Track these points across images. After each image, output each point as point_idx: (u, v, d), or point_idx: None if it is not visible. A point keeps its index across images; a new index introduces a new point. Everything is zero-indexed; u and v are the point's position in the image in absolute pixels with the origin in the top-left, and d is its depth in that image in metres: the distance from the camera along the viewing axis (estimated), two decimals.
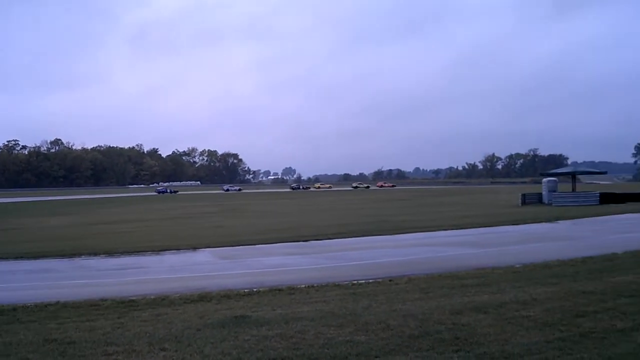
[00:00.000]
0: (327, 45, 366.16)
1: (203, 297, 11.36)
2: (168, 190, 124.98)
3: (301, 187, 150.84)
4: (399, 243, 21.25)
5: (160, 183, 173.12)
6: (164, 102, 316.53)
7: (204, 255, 18.99)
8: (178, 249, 20.48)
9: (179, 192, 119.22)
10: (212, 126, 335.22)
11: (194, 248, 20.62)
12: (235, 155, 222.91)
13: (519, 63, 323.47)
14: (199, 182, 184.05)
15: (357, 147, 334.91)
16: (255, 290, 12.08)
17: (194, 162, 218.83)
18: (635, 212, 34.21)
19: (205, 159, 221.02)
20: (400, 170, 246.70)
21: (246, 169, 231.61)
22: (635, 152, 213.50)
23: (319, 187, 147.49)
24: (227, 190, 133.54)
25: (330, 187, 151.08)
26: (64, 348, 7.49)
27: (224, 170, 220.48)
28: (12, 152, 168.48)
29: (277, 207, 55.71)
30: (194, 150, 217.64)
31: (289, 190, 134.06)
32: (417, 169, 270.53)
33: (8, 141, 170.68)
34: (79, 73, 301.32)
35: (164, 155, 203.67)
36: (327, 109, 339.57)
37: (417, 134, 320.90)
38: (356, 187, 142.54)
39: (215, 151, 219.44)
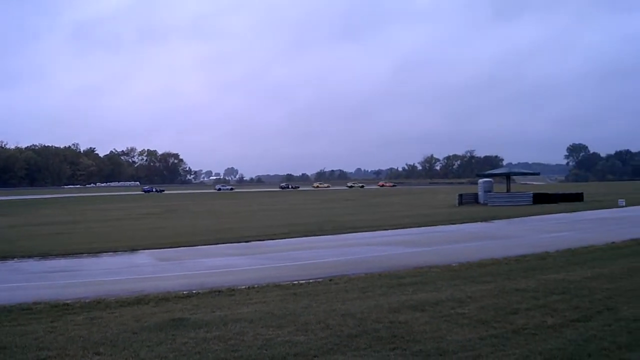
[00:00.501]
0: (273, 46, 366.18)
1: (140, 300, 11.12)
2: (154, 189, 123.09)
3: (290, 186, 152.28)
4: (341, 243, 21.41)
5: (98, 183, 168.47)
6: (104, 101, 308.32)
7: (142, 257, 18.58)
8: (116, 250, 19.97)
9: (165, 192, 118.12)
10: (153, 126, 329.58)
11: (133, 250, 20.16)
12: (176, 155, 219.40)
13: (459, 67, 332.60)
14: (137, 183, 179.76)
15: (300, 148, 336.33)
16: (194, 292, 11.90)
17: (133, 162, 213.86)
18: (566, 212, 35.65)
19: (145, 158, 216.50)
20: (342, 171, 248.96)
21: (187, 169, 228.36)
22: (567, 153, 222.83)
23: (317, 187, 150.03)
24: (219, 189, 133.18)
25: (328, 186, 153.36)
26: None
27: (164, 170, 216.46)
28: None
29: (225, 207, 55.15)
30: (132, 149, 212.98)
31: (278, 189, 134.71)
32: (359, 169, 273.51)
33: None
34: (14, 70, 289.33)
35: (101, 155, 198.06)
36: (271, 110, 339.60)
37: (359, 136, 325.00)
38: (351, 186, 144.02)
39: (155, 151, 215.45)
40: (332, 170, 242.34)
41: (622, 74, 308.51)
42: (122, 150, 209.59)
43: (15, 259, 18.39)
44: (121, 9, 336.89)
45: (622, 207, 39.88)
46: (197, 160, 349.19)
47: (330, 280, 12.72)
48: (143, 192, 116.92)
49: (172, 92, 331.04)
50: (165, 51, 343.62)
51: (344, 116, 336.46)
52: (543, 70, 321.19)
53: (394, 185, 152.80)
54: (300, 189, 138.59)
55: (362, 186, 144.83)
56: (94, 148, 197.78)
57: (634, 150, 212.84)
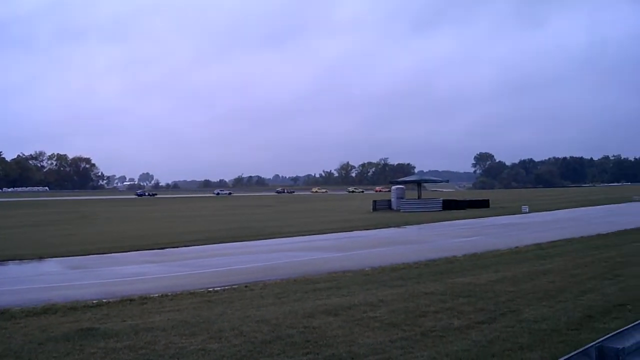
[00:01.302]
0: (195, 51, 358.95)
1: (47, 310, 10.63)
2: (147, 193, 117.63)
3: (285, 191, 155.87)
4: (258, 249, 21.38)
5: (4, 189, 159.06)
6: (15, 102, 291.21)
7: (51, 265, 17.83)
8: (23, 258, 19.03)
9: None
10: (65, 129, 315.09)
11: (40, 257, 19.26)
12: (88, 160, 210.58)
13: (376, 77, 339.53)
14: (47, 188, 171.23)
15: (218, 154, 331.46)
16: (105, 301, 11.51)
17: (42, 166, 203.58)
18: (474, 218, 37.24)
19: (55, 163, 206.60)
20: (260, 177, 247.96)
21: (100, 174, 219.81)
22: (474, 162, 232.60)
23: (316, 192, 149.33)
24: (218, 194, 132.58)
25: (326, 191, 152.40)
26: None
27: (75, 175, 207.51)
28: None
29: (142, 213, 53.63)
30: (41, 154, 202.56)
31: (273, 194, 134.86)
32: (277, 176, 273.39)
33: None
34: None
35: (8, 159, 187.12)
36: (191, 115, 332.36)
37: (278, 142, 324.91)
38: (352, 191, 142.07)
39: (65, 155, 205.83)
40: (250, 177, 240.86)
41: (529, 87, 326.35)
42: (30, 154, 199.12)
43: None
44: (39, 8, 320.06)
45: (526, 213, 42.10)
46: (110, 165, 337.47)
47: (245, 286, 12.68)
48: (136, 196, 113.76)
49: (88, 94, 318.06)
50: (82, 52, 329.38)
51: (263, 123, 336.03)
52: (455, 82, 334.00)
53: (388, 191, 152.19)
54: (295, 193, 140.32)
55: (362, 191, 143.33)
56: (0, 152, 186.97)
57: (536, 159, 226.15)
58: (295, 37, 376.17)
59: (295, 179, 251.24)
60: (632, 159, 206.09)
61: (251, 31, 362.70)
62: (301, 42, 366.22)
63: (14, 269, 17.37)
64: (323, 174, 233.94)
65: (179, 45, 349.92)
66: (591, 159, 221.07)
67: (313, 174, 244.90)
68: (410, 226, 31.38)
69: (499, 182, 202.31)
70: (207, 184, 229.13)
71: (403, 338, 7.55)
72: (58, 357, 7.02)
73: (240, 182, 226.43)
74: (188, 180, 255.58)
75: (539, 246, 19.36)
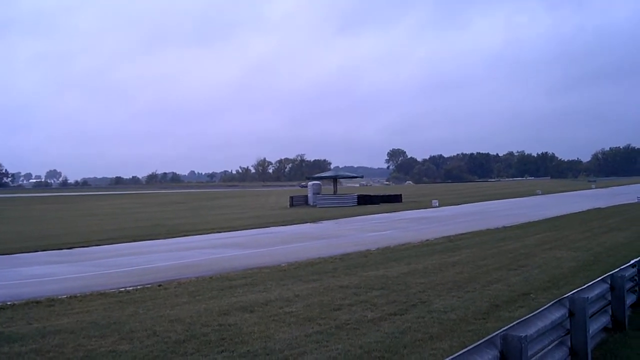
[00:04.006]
0: (118, 47, 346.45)
1: None
2: None
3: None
4: (172, 247, 20.94)
5: None
6: None
7: None
8: None
9: None
10: None
11: None
12: None
13: (299, 76, 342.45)
14: None
15: (131, 150, 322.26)
16: (9, 303, 10.90)
17: None
18: (387, 212, 38.18)
19: None
20: (175, 174, 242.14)
21: (3, 171, 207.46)
22: (387, 158, 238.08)
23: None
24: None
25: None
26: None
27: None
28: None
29: (49, 212, 51.07)
30: None
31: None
32: (193, 172, 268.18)
33: None
34: None
35: None
36: (108, 111, 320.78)
37: (195, 139, 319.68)
38: (364, 185, 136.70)
39: None
40: (165, 173, 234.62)
41: (443, 86, 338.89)
42: None
43: None
44: None
45: (436, 207, 43.61)
46: (16, 162, 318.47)
47: (159, 285, 12.40)
48: None
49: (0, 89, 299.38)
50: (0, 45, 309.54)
51: (181, 119, 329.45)
52: (376, 81, 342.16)
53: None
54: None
55: (371, 185, 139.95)
56: None
57: (446, 155, 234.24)
58: (224, 34, 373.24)
59: (212, 175, 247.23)
60: (535, 155, 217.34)
61: (179, 27, 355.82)
62: (229, 39, 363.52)
63: None
64: (240, 170, 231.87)
65: (101, 40, 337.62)
66: (497, 154, 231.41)
67: (230, 170, 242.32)
68: (326, 221, 31.74)
69: (410, 177, 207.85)
70: (118, 181, 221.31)
71: (318, 332, 7.66)
72: None
73: (154, 179, 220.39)
74: (99, 177, 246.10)
75: (448, 239, 20.13)
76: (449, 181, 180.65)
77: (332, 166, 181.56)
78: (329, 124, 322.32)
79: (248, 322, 8.29)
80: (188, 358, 6.62)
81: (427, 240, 20.04)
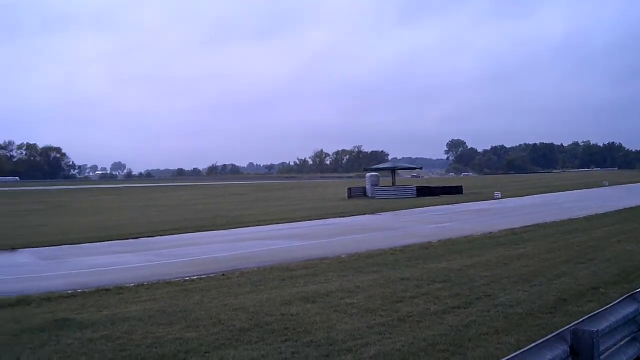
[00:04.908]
0: (181, 42, 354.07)
1: (21, 301, 10.46)
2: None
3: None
4: (233, 238, 21.29)
5: None
6: None
7: (23, 256, 17.51)
8: None
9: None
10: (38, 119, 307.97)
11: (13, 248, 18.91)
12: (59, 150, 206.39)
13: (357, 67, 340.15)
14: (17, 178, 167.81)
15: (193, 143, 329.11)
16: (80, 291, 11.37)
17: (12, 156, 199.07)
18: (447, 204, 37.60)
19: (24, 153, 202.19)
20: (235, 166, 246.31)
21: (71, 163, 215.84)
22: (447, 149, 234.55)
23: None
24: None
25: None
26: None
27: (45, 165, 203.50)
28: None
29: (115, 203, 52.92)
30: (11, 143, 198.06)
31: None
32: (252, 164, 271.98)
33: None
34: None
35: None
36: (170, 105, 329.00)
37: (254, 131, 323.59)
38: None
39: (35, 145, 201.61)
40: (225, 165, 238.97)
41: (505, 76, 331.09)
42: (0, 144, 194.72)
43: None
44: None
45: (499, 199, 42.64)
46: (83, 155, 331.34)
47: (222, 275, 12.64)
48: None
49: (66, 85, 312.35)
50: (66, 42, 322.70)
51: (241, 112, 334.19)
52: (434, 71, 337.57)
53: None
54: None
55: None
56: None
57: (508, 145, 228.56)
58: (282, 28, 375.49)
59: (270, 167, 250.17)
60: (602, 145, 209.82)
61: (238, 22, 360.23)
62: (287, 33, 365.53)
63: None
64: (298, 162, 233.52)
65: (163, 36, 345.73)
66: (561, 145, 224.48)
67: (288, 162, 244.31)
68: (385, 213, 31.56)
69: (471, 169, 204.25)
70: (180, 173, 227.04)
71: (381, 324, 7.62)
72: (34, 349, 6.94)
73: (214, 171, 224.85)
74: (162, 169, 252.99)
75: (512, 231, 19.64)
76: (512, 172, 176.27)
77: (390, 157, 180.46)
78: (387, 115, 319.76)
79: (310, 312, 8.33)
80: (253, 346, 6.71)
81: (490, 232, 19.62)
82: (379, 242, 17.97)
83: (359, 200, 45.82)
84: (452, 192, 50.93)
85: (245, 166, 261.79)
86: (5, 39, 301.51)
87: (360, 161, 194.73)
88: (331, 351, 6.49)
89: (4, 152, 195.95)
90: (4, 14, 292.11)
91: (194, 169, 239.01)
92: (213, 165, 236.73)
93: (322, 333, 7.19)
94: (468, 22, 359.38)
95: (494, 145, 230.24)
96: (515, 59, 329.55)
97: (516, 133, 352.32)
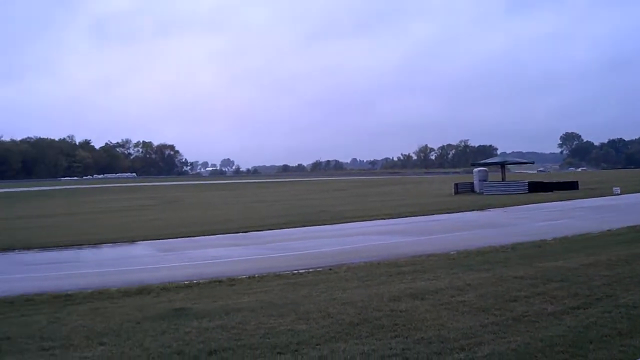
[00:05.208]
0: (286, 40, 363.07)
1: (142, 290, 11.15)
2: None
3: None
4: (339, 233, 21.48)
5: (95, 175, 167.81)
6: (109, 94, 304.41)
7: (142, 248, 18.63)
8: (115, 241, 19.98)
9: None
10: (153, 118, 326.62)
11: (132, 241, 20.18)
12: (172, 147, 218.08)
13: (462, 59, 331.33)
14: (134, 174, 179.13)
15: (297, 139, 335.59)
16: (195, 282, 11.95)
17: (129, 153, 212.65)
18: (562, 200, 35.79)
19: (140, 150, 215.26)
20: (338, 162, 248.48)
21: (183, 160, 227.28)
22: (560, 142, 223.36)
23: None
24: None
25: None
26: None
27: (160, 161, 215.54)
28: None
29: (222, 198, 55.08)
30: (128, 141, 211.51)
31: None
32: (355, 159, 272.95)
33: None
34: (25, 64, 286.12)
35: (97, 147, 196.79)
36: (275, 102, 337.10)
37: (357, 127, 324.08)
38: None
39: (150, 142, 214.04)
40: (328, 161, 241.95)
41: (619, 64, 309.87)
42: (117, 142, 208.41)
43: (16, 250, 18.40)
44: (139, 2, 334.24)
45: (617, 194, 40.04)
46: (193, 151, 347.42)
47: (329, 269, 12.77)
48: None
49: (179, 85, 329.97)
50: (177, 44, 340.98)
51: (344, 108, 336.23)
52: (543, 62, 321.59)
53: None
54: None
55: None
56: (90, 140, 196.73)
57: (627, 138, 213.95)
58: (384, 22, 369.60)
59: (373, 163, 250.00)
60: None
61: (341, 19, 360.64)
62: (390, 26, 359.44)
63: (108, 251, 18.27)
64: (401, 157, 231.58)
65: (269, 35, 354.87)
66: None
67: (391, 157, 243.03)
68: (494, 209, 30.56)
69: (587, 163, 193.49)
70: (285, 169, 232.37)
71: (494, 323, 7.36)
72: (155, 336, 7.31)
73: (318, 167, 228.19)
74: (267, 165, 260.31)
75: (633, 229, 18.38)
76: (631, 167, 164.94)
77: (498, 152, 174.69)
78: (494, 108, 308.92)
79: (419, 309, 8.20)
80: (363, 340, 6.69)
81: (609, 230, 18.45)
82: (488, 239, 17.41)
83: (466, 195, 44.68)
84: (567, 187, 48.34)
85: (349, 162, 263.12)
86: (124, 44, 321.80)
87: (467, 156, 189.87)
88: (443, 349, 6.34)
89: (122, 149, 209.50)
90: (123, 21, 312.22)
91: (298, 165, 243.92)
92: (317, 161, 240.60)
93: (432, 330, 7.05)
94: (583, 9, 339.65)
95: (611, 138, 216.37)
96: (636, 45, 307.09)
97: (636, 125, 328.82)
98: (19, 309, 9.78)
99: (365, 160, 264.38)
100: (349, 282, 10.97)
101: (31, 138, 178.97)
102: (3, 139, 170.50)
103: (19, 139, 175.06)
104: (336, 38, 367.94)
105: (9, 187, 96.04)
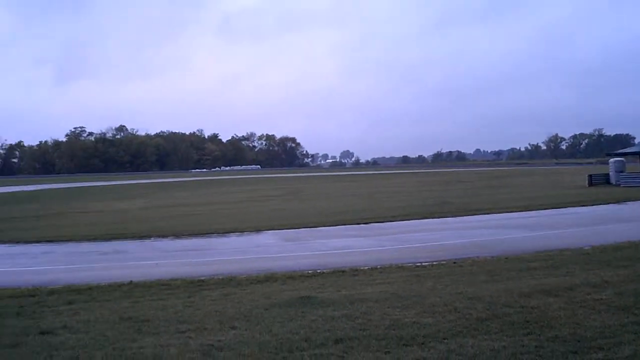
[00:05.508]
0: (407, 29, 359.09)
1: (269, 278, 11.57)
2: None
3: None
4: (462, 225, 20.99)
5: (222, 167, 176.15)
6: (235, 89, 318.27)
7: (267, 237, 19.28)
8: (242, 231, 20.82)
9: None
10: (276, 111, 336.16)
11: (258, 230, 20.93)
12: (293, 140, 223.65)
13: (596, 41, 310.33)
14: (258, 166, 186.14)
15: (417, 129, 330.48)
16: (319, 271, 12.21)
17: (253, 146, 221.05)
18: None
19: (264, 143, 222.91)
20: (461, 152, 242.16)
21: (304, 152, 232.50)
22: None
23: None
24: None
25: None
26: (139, 325, 7.82)
27: (282, 154, 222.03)
28: (78, 139, 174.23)
29: (342, 189, 55.70)
30: (252, 134, 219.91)
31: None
32: (478, 150, 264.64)
33: (75, 128, 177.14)
34: (159, 62, 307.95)
35: (224, 140, 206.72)
36: (397, 92, 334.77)
37: (480, 116, 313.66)
38: None
39: (273, 135, 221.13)
40: (450, 152, 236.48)
41: None
42: (243, 135, 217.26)
43: (153, 238, 19.71)
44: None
45: None
46: (314, 144, 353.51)
47: (454, 262, 12.53)
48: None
49: (301, 79, 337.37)
50: (300, 39, 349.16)
51: (466, 97, 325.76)
52: None
53: None
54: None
55: None
56: (217, 134, 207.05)
57: None
58: (511, 5, 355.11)
59: (498, 153, 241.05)
60: None
61: (465, 6, 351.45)
62: (515, 11, 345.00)
63: (236, 240, 19.07)
64: (529, 147, 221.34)
65: (390, 25, 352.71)
66: None
67: (518, 148, 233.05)
68: (632, 202, 28.40)
69: None
70: (405, 160, 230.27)
71: (635, 322, 6.88)
72: (282, 322, 7.56)
73: (439, 158, 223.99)
74: (387, 157, 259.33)
75: None
76: None
77: (635, 141, 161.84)
78: (631, 94, 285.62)
79: (552, 306, 7.82)
80: (492, 337, 6.50)
81: None
82: (626, 233, 16.22)
83: (601, 187, 41.85)
84: None
85: (472, 153, 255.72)
86: (249, 40, 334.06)
87: (601, 145, 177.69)
88: (579, 348, 6.02)
89: (247, 142, 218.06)
90: (249, 18, 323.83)
91: (419, 156, 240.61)
92: (438, 152, 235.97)
93: (567, 328, 6.70)
94: None
95: None
96: None
97: None
98: (156, 293, 10.49)
99: (489, 151, 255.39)
100: (475, 276, 10.69)
101: (164, 132, 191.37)
102: (139, 133, 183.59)
103: (153, 133, 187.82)
104: (458, 25, 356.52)
105: (145, 179, 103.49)
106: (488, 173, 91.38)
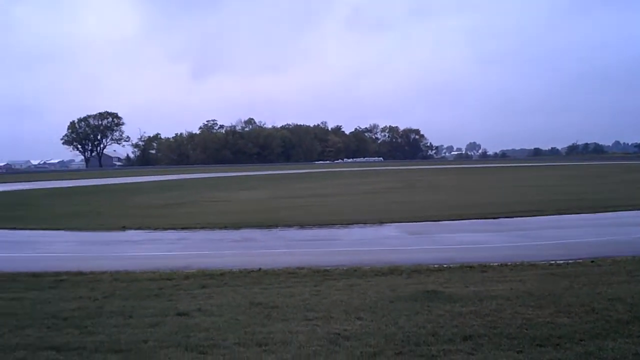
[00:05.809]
0: (542, 14, 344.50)
1: (393, 271, 11.55)
2: None
3: None
4: (599, 222, 19.69)
5: (345, 159, 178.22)
6: (360, 80, 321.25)
7: (390, 230, 19.22)
8: (366, 222, 20.90)
9: None
10: (400, 102, 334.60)
11: (381, 222, 20.91)
12: (417, 131, 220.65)
13: None
14: (381, 158, 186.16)
15: (550, 121, 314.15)
16: (445, 266, 12.00)
17: (376, 138, 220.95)
18: None
19: (387, 135, 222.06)
20: (598, 145, 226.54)
21: (428, 144, 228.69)
22: None
23: None
24: None
25: None
26: (269, 311, 8.15)
27: (405, 146, 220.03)
28: (211, 131, 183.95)
29: (464, 182, 54.36)
30: (375, 126, 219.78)
31: None
32: (617, 142, 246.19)
33: (207, 121, 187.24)
34: (285, 54, 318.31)
35: (347, 132, 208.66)
36: (528, 82, 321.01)
37: (620, 105, 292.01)
38: None
39: (396, 127, 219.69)
40: (586, 144, 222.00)
41: None
42: (366, 127, 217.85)
43: (279, 227, 20.34)
44: None
45: None
46: (438, 135, 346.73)
47: (591, 261, 11.82)
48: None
49: (427, 69, 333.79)
50: (427, 27, 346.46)
51: (607, 85, 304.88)
52: None
53: None
54: None
55: None
56: (341, 126, 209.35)
57: None
58: None
59: None
60: None
61: None
62: None
63: (359, 231, 19.17)
64: None
65: (525, 13, 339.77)
66: None
67: None
68: None
69: None
70: (537, 153, 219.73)
71: None
72: (409, 316, 7.54)
73: (574, 151, 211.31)
74: (517, 149, 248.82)
75: None
76: None
77: None
78: None
79: None
80: (634, 340, 6.11)
81: None
82: None
83: None
84: None
85: (610, 145, 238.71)
86: (375, 31, 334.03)
87: None
88: None
89: (370, 134, 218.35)
90: (376, 8, 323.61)
91: (552, 148, 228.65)
92: (573, 144, 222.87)
93: None
94: None
95: None
96: None
97: None
98: (284, 281, 10.86)
99: (630, 143, 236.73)
100: (615, 276, 10.05)
101: (289, 125, 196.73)
102: (266, 126, 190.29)
103: (279, 125, 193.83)
104: (593, 8, 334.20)
105: (270, 170, 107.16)
106: (630, 167, 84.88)
